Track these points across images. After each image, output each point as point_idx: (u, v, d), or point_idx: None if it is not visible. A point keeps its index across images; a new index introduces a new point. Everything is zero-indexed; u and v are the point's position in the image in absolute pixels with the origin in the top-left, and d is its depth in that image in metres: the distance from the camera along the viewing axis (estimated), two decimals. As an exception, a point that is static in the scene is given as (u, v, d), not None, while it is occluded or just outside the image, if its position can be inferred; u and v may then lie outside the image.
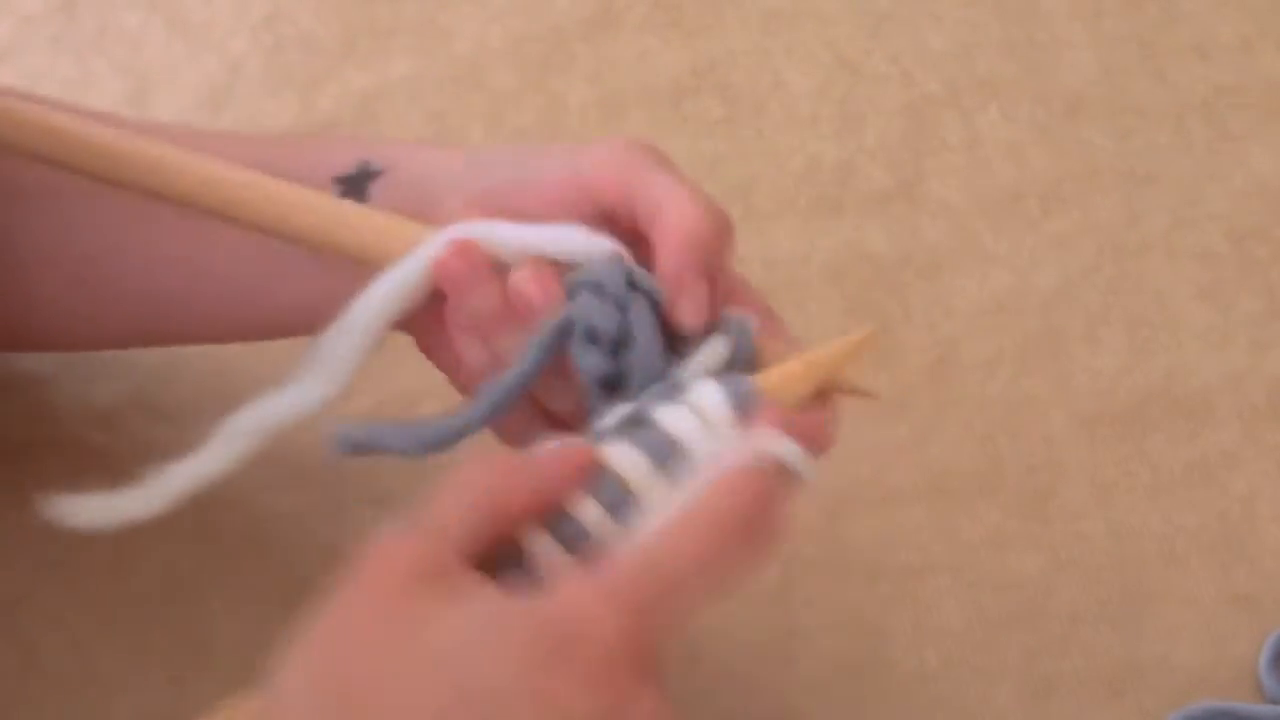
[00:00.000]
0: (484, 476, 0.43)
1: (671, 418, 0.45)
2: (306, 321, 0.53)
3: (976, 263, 0.71)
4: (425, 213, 0.51)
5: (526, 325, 0.48)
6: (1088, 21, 0.78)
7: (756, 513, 0.43)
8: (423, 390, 0.66)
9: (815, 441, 0.46)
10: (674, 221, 0.48)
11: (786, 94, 0.76)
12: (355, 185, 0.52)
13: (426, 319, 0.51)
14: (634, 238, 0.49)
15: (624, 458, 0.44)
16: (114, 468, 0.64)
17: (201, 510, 0.63)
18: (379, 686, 0.39)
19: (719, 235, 0.49)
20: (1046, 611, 0.64)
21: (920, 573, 0.64)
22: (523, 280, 0.48)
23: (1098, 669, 0.63)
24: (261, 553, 0.63)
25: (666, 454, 0.44)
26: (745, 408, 0.45)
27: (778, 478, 0.44)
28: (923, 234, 0.72)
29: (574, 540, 0.43)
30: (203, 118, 0.73)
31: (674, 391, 0.46)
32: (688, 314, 0.48)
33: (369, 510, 0.64)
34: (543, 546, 0.43)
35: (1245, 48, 0.78)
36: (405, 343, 0.67)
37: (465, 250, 0.49)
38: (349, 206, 0.51)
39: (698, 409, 0.45)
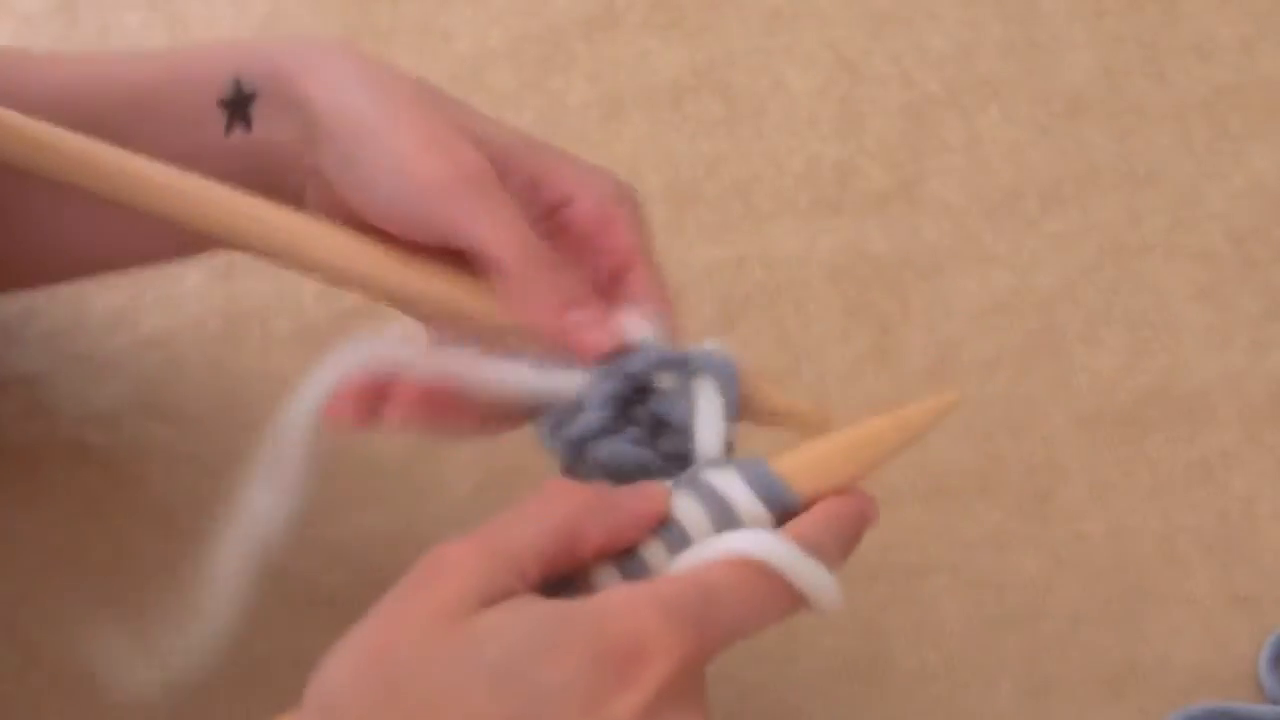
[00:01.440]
0: (565, 507, 0.43)
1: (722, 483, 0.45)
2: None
3: (976, 263, 0.71)
4: (299, 141, 0.50)
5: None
6: (1088, 21, 0.78)
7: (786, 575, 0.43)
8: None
9: (856, 528, 0.46)
10: (501, 297, 0.48)
11: (786, 94, 0.76)
12: (237, 109, 0.51)
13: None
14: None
15: (690, 510, 0.44)
16: (114, 468, 0.64)
17: (201, 510, 0.63)
18: (437, 700, 0.39)
19: (546, 269, 0.48)
20: (1046, 611, 0.64)
21: (920, 573, 0.64)
22: (399, 420, 0.48)
23: (1098, 669, 0.63)
24: (261, 552, 0.63)
25: (721, 516, 0.45)
26: (779, 510, 0.45)
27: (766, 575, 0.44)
28: (923, 234, 0.72)
29: (636, 578, 0.44)
30: (203, 118, 0.73)
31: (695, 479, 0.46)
32: (597, 343, 0.47)
33: (369, 510, 0.64)
34: (607, 579, 0.44)
35: (1245, 48, 0.78)
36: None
37: (344, 411, 0.49)
38: (238, 198, 0.50)
39: (732, 508, 0.45)
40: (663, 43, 0.76)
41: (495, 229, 0.47)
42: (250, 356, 0.67)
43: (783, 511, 0.45)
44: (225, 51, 0.52)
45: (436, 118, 0.49)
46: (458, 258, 0.49)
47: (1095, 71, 0.77)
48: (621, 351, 0.47)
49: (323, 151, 0.49)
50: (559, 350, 0.47)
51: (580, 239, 0.50)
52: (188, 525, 0.63)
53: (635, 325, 0.48)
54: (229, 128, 0.51)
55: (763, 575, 0.43)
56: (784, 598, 0.43)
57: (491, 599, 0.40)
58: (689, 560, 0.43)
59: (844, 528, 0.45)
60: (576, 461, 0.47)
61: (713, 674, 0.62)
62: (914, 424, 0.48)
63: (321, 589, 0.62)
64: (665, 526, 0.44)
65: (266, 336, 0.67)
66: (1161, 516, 0.66)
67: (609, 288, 0.50)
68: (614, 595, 0.41)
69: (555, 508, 0.43)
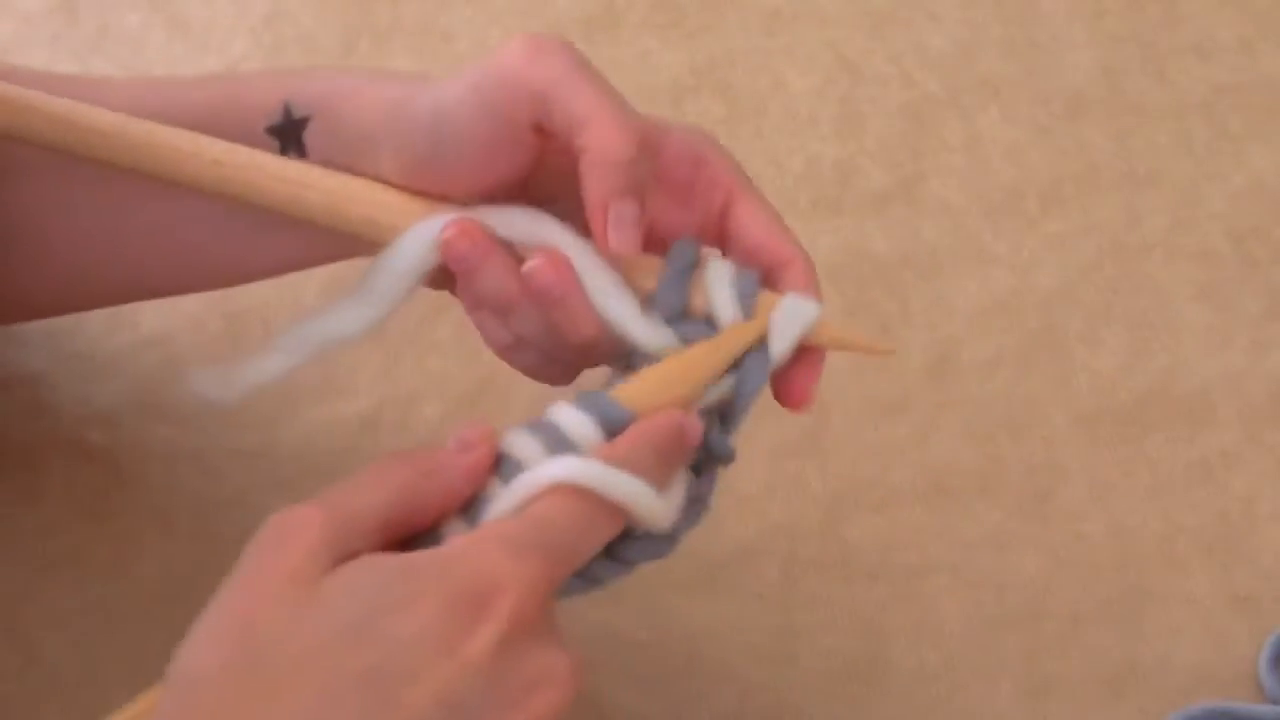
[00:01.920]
0: (398, 477, 0.43)
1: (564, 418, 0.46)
2: (294, 266, 0.55)
3: (976, 263, 0.71)
4: (363, 160, 0.50)
5: (543, 307, 0.48)
6: (1088, 21, 0.78)
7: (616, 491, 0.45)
8: (422, 390, 0.66)
9: (673, 443, 0.46)
10: (596, 145, 0.47)
11: (786, 94, 0.76)
12: (288, 136, 0.51)
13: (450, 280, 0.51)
14: (559, 143, 0.48)
15: (523, 445, 0.45)
16: (114, 468, 0.64)
17: (201, 510, 0.64)
18: (297, 664, 0.39)
19: (640, 156, 0.47)
20: (1046, 611, 0.64)
21: (920, 573, 0.64)
22: (537, 268, 0.48)
23: (1098, 669, 0.63)
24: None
25: (554, 444, 0.45)
26: (611, 429, 0.46)
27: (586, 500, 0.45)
28: (923, 234, 0.72)
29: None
30: (203, 118, 0.73)
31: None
32: (618, 241, 0.47)
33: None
34: (456, 531, 0.44)
35: (1245, 48, 0.78)
36: (405, 342, 0.67)
37: (467, 231, 0.48)
38: (315, 173, 0.51)
39: (563, 432, 0.46)
40: (663, 43, 0.76)
41: (585, 87, 0.47)
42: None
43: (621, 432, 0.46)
44: (276, 79, 0.53)
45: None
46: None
47: (1095, 71, 0.77)
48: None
49: (407, 147, 0.49)
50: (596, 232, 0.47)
51: (676, 187, 0.50)
52: (188, 525, 0.63)
53: (789, 304, 0.49)
54: (283, 153, 0.51)
55: (582, 497, 0.44)
56: (607, 514, 0.44)
57: (339, 559, 0.41)
58: (513, 493, 0.44)
59: (660, 443, 0.46)
60: None
61: (713, 674, 0.62)
62: (741, 337, 0.48)
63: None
64: (503, 465, 0.45)
65: (266, 336, 0.67)
66: (1161, 516, 0.66)
67: (720, 227, 0.50)
68: (456, 541, 0.42)
69: (389, 478, 0.43)
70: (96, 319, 0.67)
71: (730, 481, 0.65)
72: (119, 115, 0.51)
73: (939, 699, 0.62)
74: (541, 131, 0.48)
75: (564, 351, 0.50)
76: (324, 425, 0.65)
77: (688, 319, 0.48)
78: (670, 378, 0.47)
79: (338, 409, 0.66)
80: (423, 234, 0.49)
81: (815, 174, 0.73)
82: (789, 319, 0.49)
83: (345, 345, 0.50)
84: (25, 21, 0.75)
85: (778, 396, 0.49)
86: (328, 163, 0.51)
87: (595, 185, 0.47)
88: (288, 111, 0.51)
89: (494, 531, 0.42)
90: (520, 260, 0.49)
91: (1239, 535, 0.66)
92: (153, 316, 0.67)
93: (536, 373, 0.51)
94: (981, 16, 0.78)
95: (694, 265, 0.49)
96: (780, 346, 0.48)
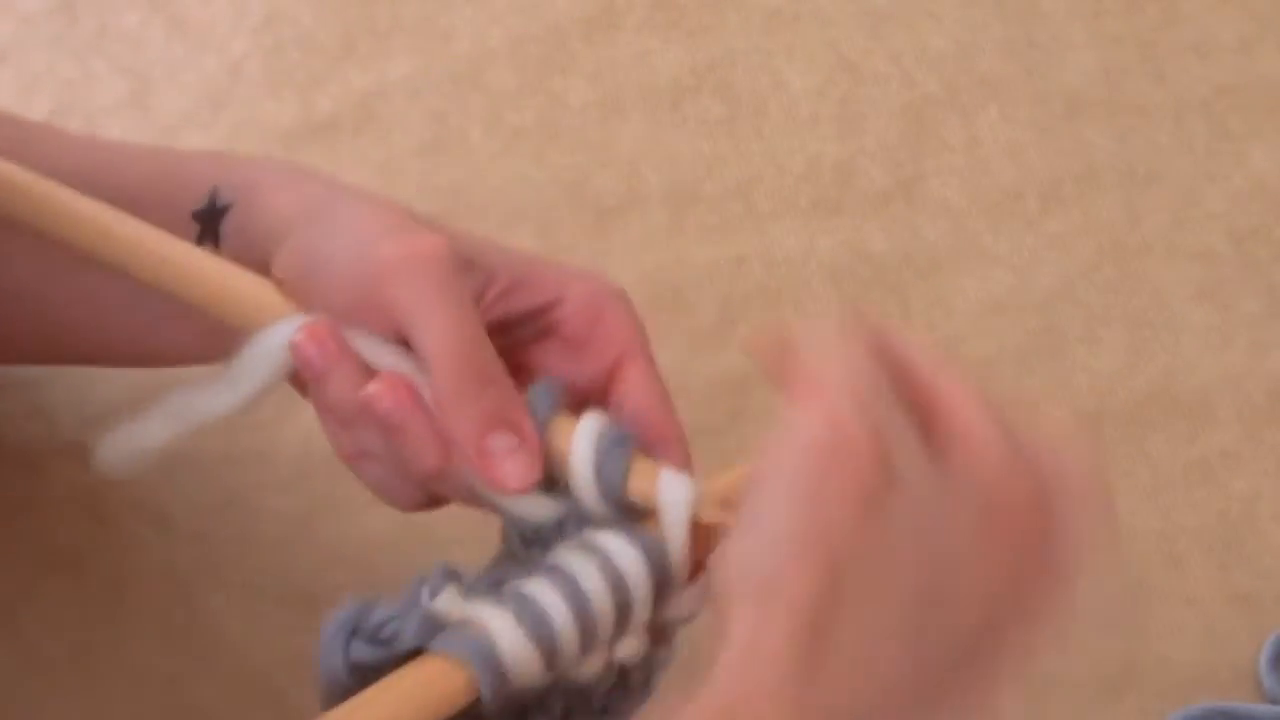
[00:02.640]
0: (863, 334, 0.43)
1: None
2: (186, 361, 0.55)
3: (976, 262, 0.71)
4: (263, 260, 0.49)
5: (384, 432, 0.46)
6: (1088, 21, 0.78)
7: None
8: (423, 390, 0.66)
9: None
10: (439, 386, 0.46)
11: (786, 94, 0.76)
12: (209, 221, 0.51)
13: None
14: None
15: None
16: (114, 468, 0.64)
17: (201, 511, 0.63)
18: (874, 577, 0.40)
19: (482, 391, 0.46)
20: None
21: (920, 573, 0.64)
22: (376, 393, 0.46)
23: (1098, 669, 0.62)
24: (261, 553, 0.63)
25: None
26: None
27: None
28: (923, 234, 0.72)
29: None
30: (203, 118, 0.73)
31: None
32: (504, 478, 0.45)
33: (369, 510, 0.63)
34: None
35: (1245, 48, 0.78)
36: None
37: (316, 336, 0.47)
38: (203, 259, 0.50)
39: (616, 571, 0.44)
40: (663, 43, 0.76)
41: (434, 323, 0.45)
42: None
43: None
44: (212, 161, 0.53)
45: (408, 214, 0.49)
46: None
47: (1095, 71, 0.77)
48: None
49: (287, 256, 0.49)
50: (477, 475, 0.45)
51: (572, 338, 0.49)
52: (188, 525, 0.63)
53: (672, 483, 0.45)
54: (200, 242, 0.51)
55: None
56: None
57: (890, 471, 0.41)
58: None
59: None
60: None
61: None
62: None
63: (321, 589, 0.62)
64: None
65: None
66: (1161, 516, 0.66)
67: (605, 387, 0.48)
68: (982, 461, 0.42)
69: (856, 341, 0.43)
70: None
71: (730, 481, 0.65)
72: (49, 182, 0.50)
73: (939, 699, 0.62)
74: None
75: (413, 473, 0.48)
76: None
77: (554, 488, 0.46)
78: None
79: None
80: (282, 331, 0.48)
81: (815, 174, 0.73)
82: (673, 497, 0.45)
83: (214, 422, 0.49)
84: (25, 22, 0.75)
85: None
86: (237, 255, 0.50)
87: (452, 417, 0.46)
88: (213, 197, 0.51)
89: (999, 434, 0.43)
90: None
91: (1239, 535, 0.66)
92: (153, 317, 0.67)
93: (384, 491, 0.49)
94: (981, 16, 0.78)
95: (555, 408, 0.46)
96: (677, 532, 0.45)
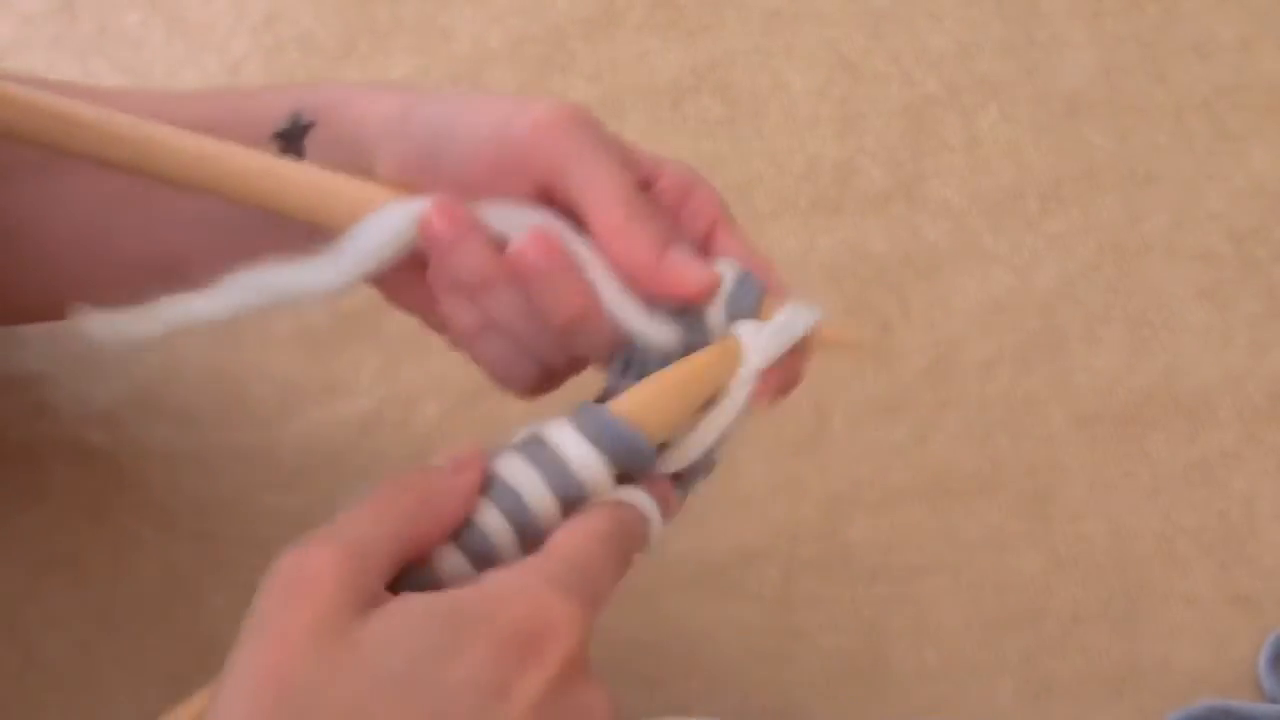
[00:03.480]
0: (403, 502, 0.43)
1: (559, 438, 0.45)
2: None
3: (976, 263, 0.71)
4: (360, 166, 0.50)
5: (529, 287, 0.48)
6: (1088, 21, 0.78)
7: (635, 534, 0.45)
8: (422, 390, 0.66)
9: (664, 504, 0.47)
10: (601, 233, 0.48)
11: (786, 94, 0.76)
12: (292, 140, 0.51)
13: (406, 276, 0.51)
14: (568, 209, 0.49)
15: (513, 467, 0.44)
16: (114, 468, 0.64)
17: (202, 510, 0.64)
18: (341, 715, 0.38)
19: (645, 221, 0.48)
20: (1046, 611, 0.64)
21: (920, 573, 0.64)
22: (525, 246, 0.47)
23: (1098, 669, 0.63)
24: (261, 553, 0.63)
25: (559, 479, 0.44)
26: (616, 454, 0.45)
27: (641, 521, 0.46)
28: (923, 234, 0.72)
29: (478, 551, 0.44)
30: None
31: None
32: (688, 277, 0.48)
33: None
34: (449, 557, 0.43)
35: (1245, 48, 0.78)
36: (405, 342, 0.67)
37: (449, 211, 0.48)
38: (297, 168, 0.50)
39: (568, 466, 0.45)
40: (663, 43, 0.76)
41: (600, 169, 0.48)
42: (250, 356, 0.67)
43: (626, 456, 0.45)
44: (282, 91, 0.53)
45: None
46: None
47: (1095, 71, 0.77)
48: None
49: (399, 144, 0.49)
50: (655, 290, 0.48)
51: (669, 211, 0.51)
52: (188, 525, 0.63)
53: (728, 265, 0.49)
54: (281, 153, 0.51)
55: (612, 537, 0.44)
56: (632, 553, 0.45)
57: (363, 604, 0.40)
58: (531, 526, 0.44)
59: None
60: None
61: (713, 674, 0.62)
62: (730, 351, 0.48)
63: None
64: (494, 487, 0.44)
65: (266, 336, 0.67)
66: (1161, 516, 0.66)
67: (704, 246, 0.51)
68: (502, 580, 0.41)
69: (392, 507, 0.43)
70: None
71: (730, 482, 0.65)
72: (103, 110, 0.50)
73: (939, 699, 0.62)
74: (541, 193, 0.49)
75: (540, 340, 0.49)
76: (324, 425, 0.65)
77: (686, 317, 0.48)
78: (670, 390, 0.47)
79: (338, 409, 0.66)
80: (400, 210, 0.48)
81: (815, 174, 0.73)
82: (790, 324, 0.49)
83: (297, 303, 0.49)
84: (25, 22, 0.75)
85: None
86: (328, 167, 0.51)
87: (632, 244, 0.48)
88: (295, 118, 0.51)
89: (538, 570, 0.42)
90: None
91: (1239, 535, 0.66)
92: (153, 316, 0.67)
93: (503, 368, 0.51)
94: (981, 16, 0.78)
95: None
96: (772, 354, 0.48)
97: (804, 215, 0.72)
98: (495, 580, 0.41)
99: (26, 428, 0.64)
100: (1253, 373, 0.69)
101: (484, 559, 0.44)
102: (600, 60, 0.76)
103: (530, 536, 0.44)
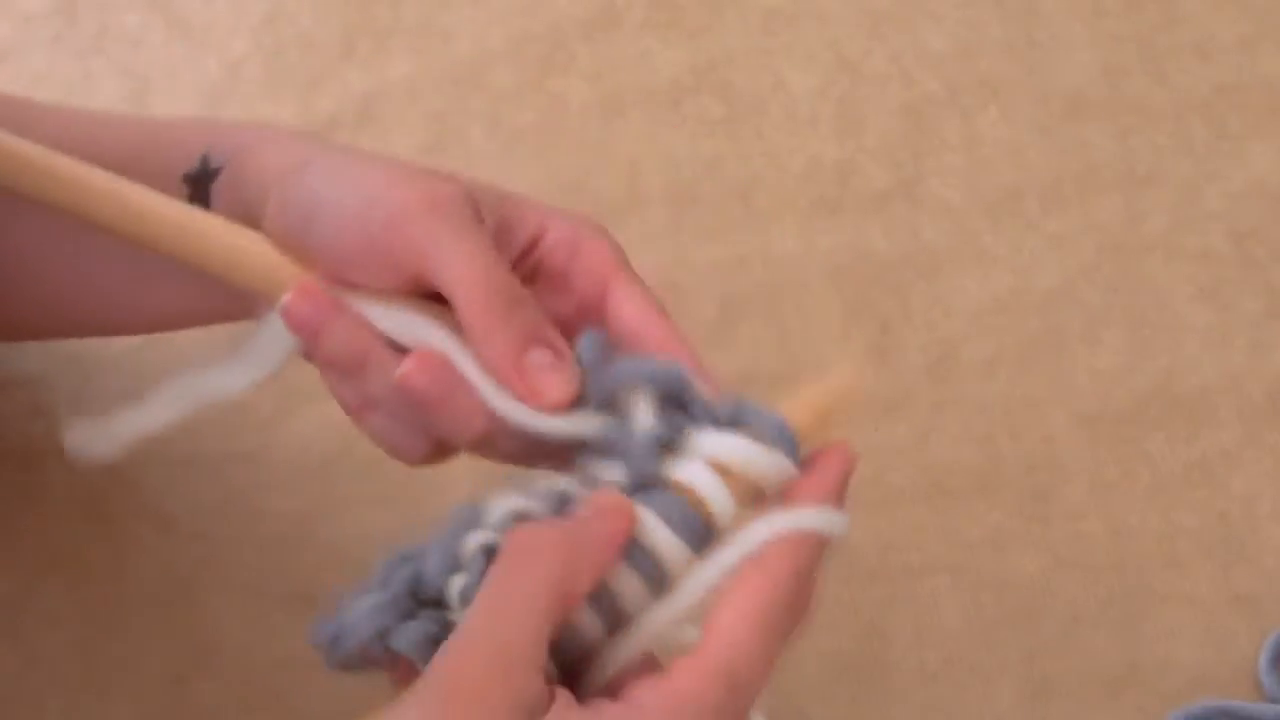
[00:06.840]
0: (548, 569, 0.41)
1: (691, 474, 0.43)
2: (185, 323, 0.55)
3: (976, 263, 0.71)
4: (254, 219, 0.49)
5: (421, 412, 0.46)
6: (1088, 21, 0.78)
7: (802, 591, 0.43)
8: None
9: (842, 491, 0.45)
10: (465, 332, 0.45)
11: (786, 94, 0.76)
12: (199, 184, 0.51)
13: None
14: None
15: (657, 532, 0.42)
16: (114, 468, 0.64)
17: (200, 511, 0.64)
18: None
19: (511, 310, 0.46)
20: (1046, 611, 0.64)
21: (920, 573, 0.64)
22: (408, 372, 0.45)
23: (1098, 669, 0.63)
24: (261, 553, 0.63)
25: (694, 526, 0.43)
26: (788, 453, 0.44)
27: (816, 547, 0.44)
28: (923, 234, 0.72)
29: (612, 610, 0.42)
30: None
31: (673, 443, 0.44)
32: (546, 391, 0.45)
33: (369, 510, 0.64)
34: (588, 621, 0.42)
35: (1245, 48, 0.78)
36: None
37: (310, 294, 0.47)
38: (195, 215, 0.49)
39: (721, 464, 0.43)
40: (663, 43, 0.76)
41: (459, 257, 0.45)
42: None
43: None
44: (199, 127, 0.52)
45: (406, 163, 0.49)
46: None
47: (1095, 71, 0.77)
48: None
49: (279, 206, 0.48)
50: (517, 394, 0.45)
51: (553, 273, 0.49)
52: (188, 525, 0.63)
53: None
54: (192, 201, 0.51)
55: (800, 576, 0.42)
56: (790, 629, 0.43)
57: (533, 713, 0.39)
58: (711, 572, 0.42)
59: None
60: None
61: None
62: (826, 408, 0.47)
63: (321, 589, 0.62)
64: (633, 550, 0.42)
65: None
66: (1161, 516, 0.66)
67: (593, 312, 0.48)
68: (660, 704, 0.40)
69: (540, 575, 0.41)
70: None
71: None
72: (43, 149, 0.49)
73: (939, 699, 0.62)
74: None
75: (424, 418, 0.47)
76: (323, 425, 0.65)
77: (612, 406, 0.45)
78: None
79: (337, 409, 0.66)
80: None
81: (815, 174, 0.73)
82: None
83: (224, 400, 0.49)
84: (25, 22, 0.75)
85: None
86: (228, 214, 0.50)
87: (488, 342, 0.45)
88: (205, 160, 0.51)
89: (689, 691, 0.40)
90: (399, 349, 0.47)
91: (1239, 535, 0.66)
92: (153, 317, 0.67)
93: (391, 442, 0.48)
94: (981, 16, 0.78)
95: (603, 356, 0.46)
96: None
97: (804, 215, 0.72)
98: (653, 697, 0.40)
99: (25, 428, 0.64)
100: (1253, 373, 0.69)
101: (613, 615, 0.42)
102: (600, 60, 0.76)
103: (661, 584, 0.43)
